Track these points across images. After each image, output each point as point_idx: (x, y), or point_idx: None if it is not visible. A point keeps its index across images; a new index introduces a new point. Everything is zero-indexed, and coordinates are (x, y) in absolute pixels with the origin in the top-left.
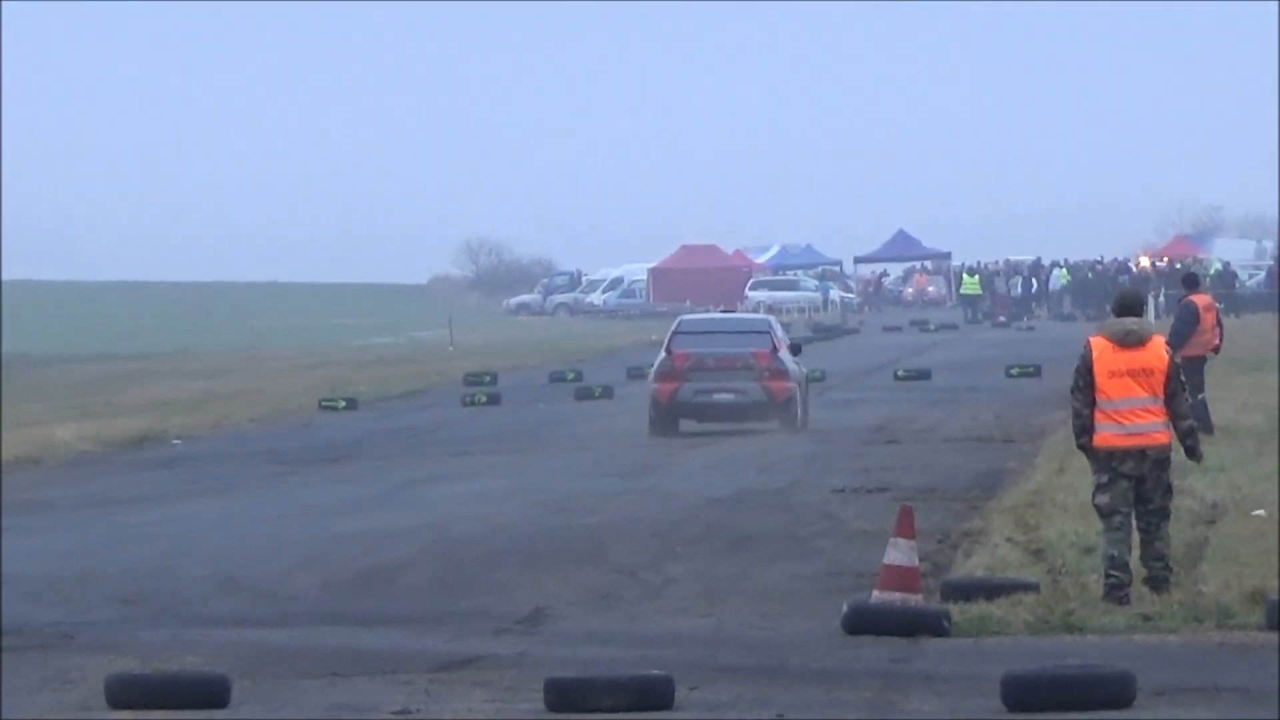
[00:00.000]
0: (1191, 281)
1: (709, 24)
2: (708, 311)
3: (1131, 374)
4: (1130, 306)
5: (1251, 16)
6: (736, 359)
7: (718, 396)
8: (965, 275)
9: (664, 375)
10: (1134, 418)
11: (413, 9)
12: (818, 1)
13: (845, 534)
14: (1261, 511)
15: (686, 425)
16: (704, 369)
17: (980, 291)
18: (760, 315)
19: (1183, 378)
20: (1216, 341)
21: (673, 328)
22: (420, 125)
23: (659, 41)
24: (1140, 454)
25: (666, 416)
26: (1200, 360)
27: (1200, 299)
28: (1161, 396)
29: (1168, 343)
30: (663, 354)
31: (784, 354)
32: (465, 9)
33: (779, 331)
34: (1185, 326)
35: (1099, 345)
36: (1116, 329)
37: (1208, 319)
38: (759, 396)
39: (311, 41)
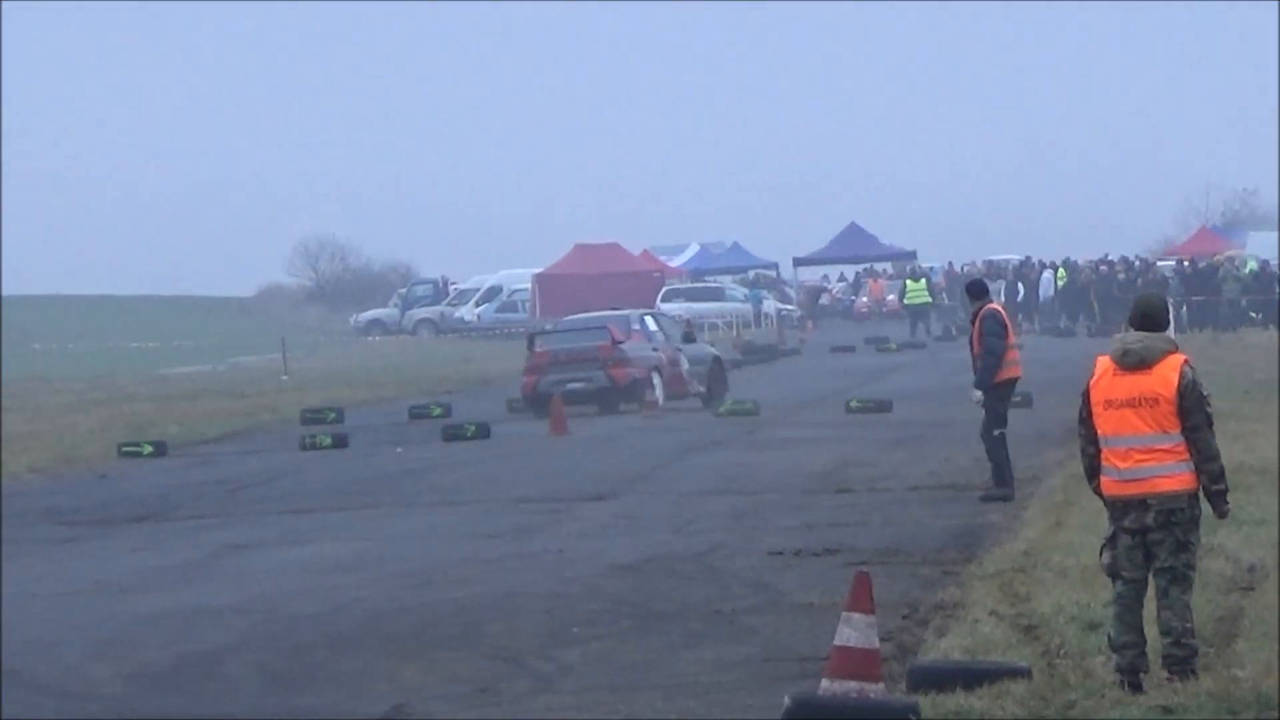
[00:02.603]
0: (980, 290)
1: None
2: None
3: (1131, 404)
4: (1149, 316)
5: None
6: (584, 352)
7: (571, 385)
8: (909, 280)
9: (527, 370)
10: (1132, 460)
11: None
12: None
13: (785, 608)
14: None
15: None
16: (558, 363)
17: (930, 300)
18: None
19: (1209, 408)
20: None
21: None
22: (245, 102)
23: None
24: (1141, 504)
25: (531, 404)
26: (1011, 386)
27: (1000, 308)
28: (1175, 432)
29: (981, 368)
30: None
31: (628, 345)
32: None
33: (635, 325)
34: (999, 343)
35: (1101, 367)
36: (1116, 347)
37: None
38: (603, 383)
39: (114, 18)
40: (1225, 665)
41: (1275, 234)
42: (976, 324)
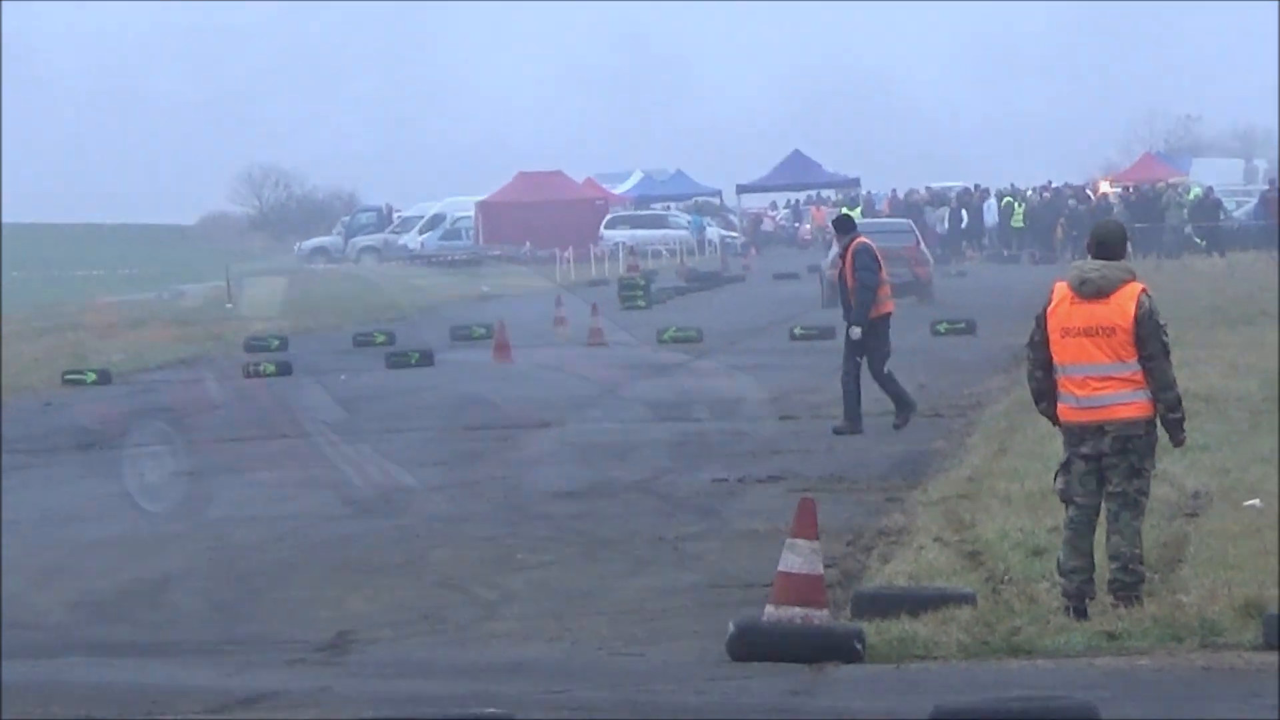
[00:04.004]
0: (847, 225)
1: None
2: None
3: (1088, 333)
4: (1105, 244)
5: None
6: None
7: None
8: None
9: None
10: (1089, 388)
11: None
12: None
13: (729, 535)
14: (1256, 502)
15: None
16: None
17: None
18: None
19: (1165, 338)
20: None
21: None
22: (188, 28)
23: None
24: (1098, 431)
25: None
26: (887, 320)
27: (869, 242)
28: (1132, 361)
29: (857, 304)
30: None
31: (923, 248)
32: None
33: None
34: (872, 277)
35: (1059, 294)
36: (1073, 274)
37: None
38: (909, 279)
39: None
40: (1170, 591)
41: (1225, 161)
42: (848, 259)
